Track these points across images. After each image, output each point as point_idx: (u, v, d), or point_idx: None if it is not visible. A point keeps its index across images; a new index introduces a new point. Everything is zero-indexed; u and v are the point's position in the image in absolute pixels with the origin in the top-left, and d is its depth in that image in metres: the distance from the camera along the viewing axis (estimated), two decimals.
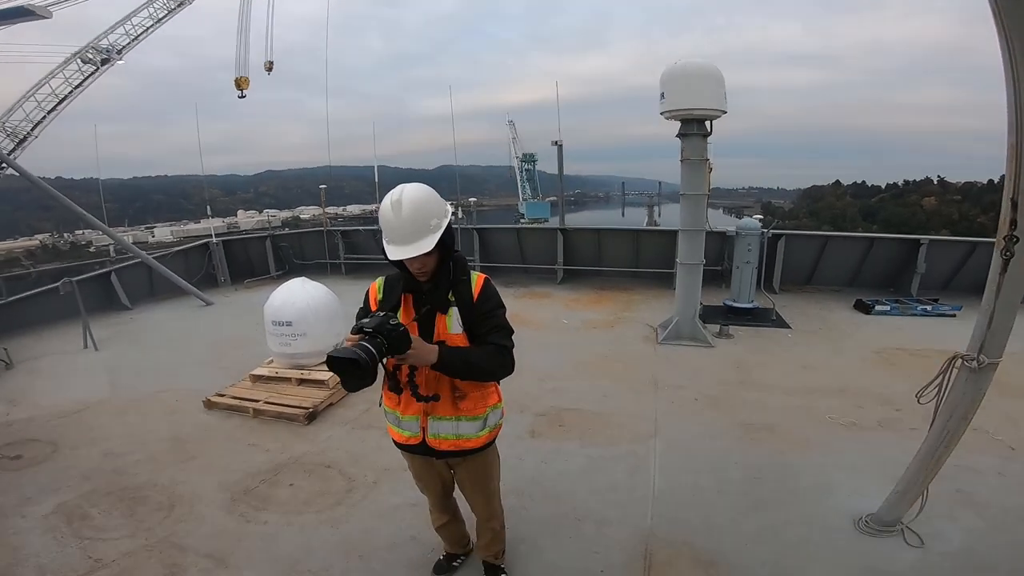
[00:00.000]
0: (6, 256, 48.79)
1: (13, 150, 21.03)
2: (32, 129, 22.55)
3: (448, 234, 1.85)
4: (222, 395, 4.66)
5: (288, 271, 10.71)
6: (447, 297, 1.91)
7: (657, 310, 7.18)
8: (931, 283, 7.76)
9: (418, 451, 2.04)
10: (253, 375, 4.92)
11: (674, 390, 4.71)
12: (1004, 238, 2.08)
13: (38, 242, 60.24)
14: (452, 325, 1.91)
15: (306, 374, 4.80)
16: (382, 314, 1.70)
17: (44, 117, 23.00)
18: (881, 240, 8.23)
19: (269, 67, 32.53)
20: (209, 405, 4.60)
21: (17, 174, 8.38)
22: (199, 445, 4.01)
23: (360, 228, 11.59)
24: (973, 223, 53.86)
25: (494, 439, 2.15)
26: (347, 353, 1.51)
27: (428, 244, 1.77)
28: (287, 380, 4.81)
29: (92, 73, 24.18)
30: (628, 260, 9.03)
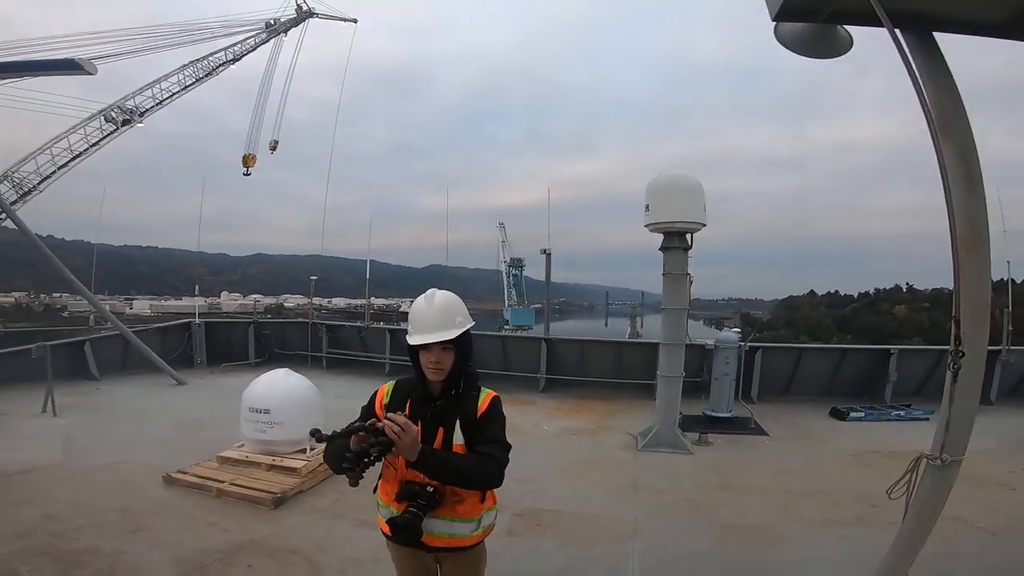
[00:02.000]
0: None
1: (15, 202, 20.54)
2: (39, 183, 22.21)
3: (467, 342, 1.95)
4: (184, 472, 4.47)
5: (268, 359, 10.58)
6: (456, 412, 1.95)
7: (638, 419, 7.16)
8: (904, 390, 8.11)
9: (414, 544, 1.98)
10: (221, 456, 4.75)
11: (653, 494, 4.70)
12: (951, 353, 2.30)
13: (14, 300, 58.53)
14: (455, 437, 1.93)
15: (278, 460, 4.64)
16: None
17: (54, 172, 22.63)
18: (853, 351, 8.62)
19: (274, 146, 32.48)
20: (168, 480, 4.39)
21: (14, 227, 8.36)
22: (152, 518, 3.79)
23: (346, 324, 11.63)
24: (942, 331, 55.38)
25: (485, 538, 2.12)
26: (407, 523, 1.83)
27: (451, 333, 1.87)
28: (257, 464, 4.63)
29: (111, 133, 24.23)
30: (610, 371, 9.11)
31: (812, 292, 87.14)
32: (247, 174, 33.13)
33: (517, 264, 51.49)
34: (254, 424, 4.76)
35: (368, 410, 2.03)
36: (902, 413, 7.30)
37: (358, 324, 11.27)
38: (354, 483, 1.70)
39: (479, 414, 1.95)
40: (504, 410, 2.04)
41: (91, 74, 11.57)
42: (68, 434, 5.60)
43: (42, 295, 59.68)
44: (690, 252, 5.93)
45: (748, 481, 5.02)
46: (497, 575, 3.19)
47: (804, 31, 2.55)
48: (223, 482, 4.27)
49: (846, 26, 2.55)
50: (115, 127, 24.75)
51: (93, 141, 24.28)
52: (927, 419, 7.04)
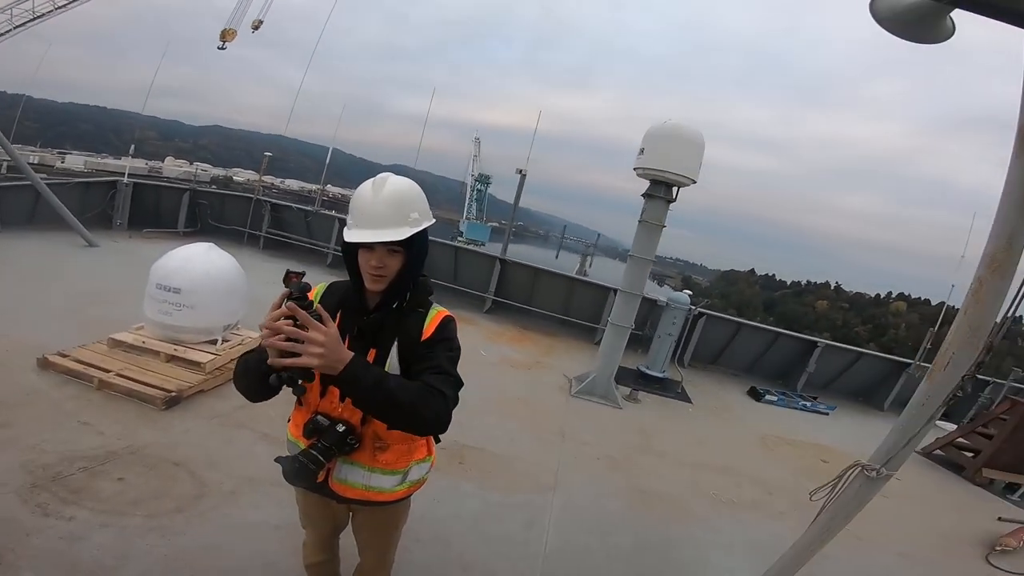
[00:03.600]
0: None
1: None
2: None
3: (422, 245, 1.54)
4: (65, 355, 3.81)
5: (200, 230, 9.84)
6: (394, 330, 1.55)
7: (576, 360, 7.19)
8: (816, 381, 8.56)
9: (315, 490, 1.64)
10: (113, 339, 4.12)
11: (579, 446, 4.68)
12: (964, 377, 2.08)
13: None
14: (390, 365, 1.53)
15: (180, 351, 4.10)
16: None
17: (9, 31, 20.99)
18: (785, 336, 8.81)
19: (257, 25, 31.62)
20: (44, 364, 3.73)
21: None
22: (13, 411, 3.20)
23: (292, 204, 10.93)
24: (851, 331, 61.34)
25: (412, 493, 1.78)
26: (297, 469, 1.49)
27: (401, 234, 1.45)
28: (155, 353, 4.08)
29: None
30: (558, 305, 8.97)
31: (752, 271, 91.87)
32: (222, 48, 32.23)
33: (484, 180, 50.74)
34: (159, 304, 4.14)
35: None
36: (808, 404, 7.69)
37: (306, 208, 10.55)
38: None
39: (424, 336, 1.54)
40: None
41: None
42: None
43: None
44: (671, 206, 5.65)
45: (668, 447, 5.13)
46: (411, 515, 3.02)
47: (906, 9, 2.16)
48: (109, 372, 3.70)
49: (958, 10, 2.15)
50: None
51: (60, 4, 22.09)
52: (827, 414, 7.60)
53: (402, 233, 1.45)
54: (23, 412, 3.22)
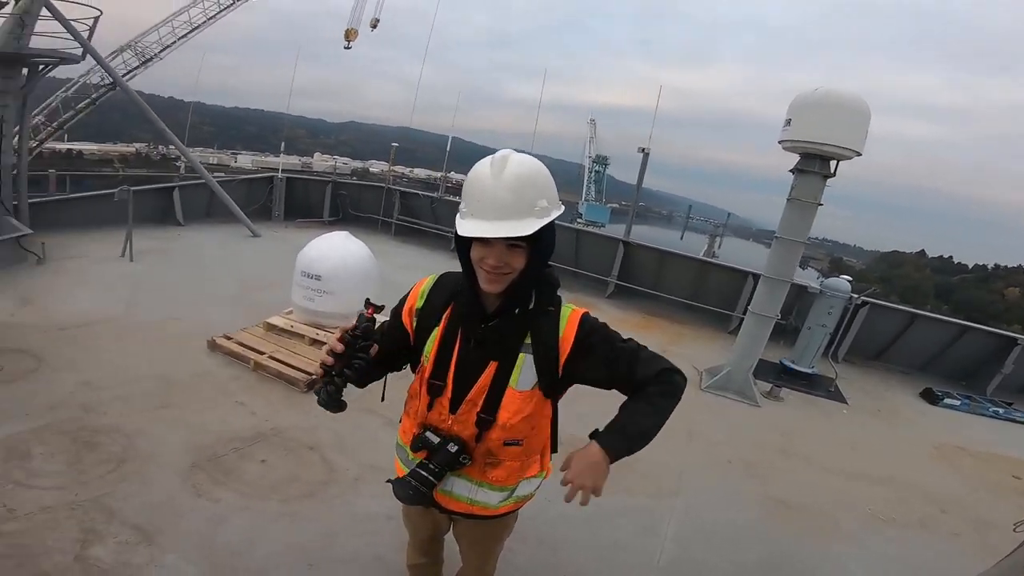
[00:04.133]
0: (101, 157, 52.85)
1: (136, 67, 22.96)
2: (160, 52, 24.07)
3: (550, 238, 1.31)
4: (229, 338, 4.34)
5: (341, 219, 10.78)
6: (520, 338, 1.36)
7: (707, 351, 6.64)
8: (1011, 385, 7.05)
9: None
10: (268, 323, 4.62)
11: (709, 446, 4.29)
12: None
13: (135, 150, 64.61)
14: (519, 378, 1.35)
15: (321, 334, 4.47)
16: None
17: (174, 42, 24.44)
18: (974, 331, 7.32)
19: (374, 24, 33.71)
20: (213, 346, 4.29)
21: (135, 89, 9.04)
22: (185, 392, 3.65)
23: (420, 192, 11.50)
24: None
25: (518, 508, 1.66)
26: (408, 496, 1.47)
27: (527, 227, 1.20)
28: (300, 336, 4.50)
29: (228, 7, 25.41)
30: (687, 291, 8.35)
31: (922, 252, 78.65)
32: (348, 47, 34.28)
33: (602, 161, 49.67)
34: (304, 290, 4.58)
35: (396, 311, 1.50)
36: (1000, 411, 6.33)
37: (432, 195, 11.06)
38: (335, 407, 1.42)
39: (567, 345, 1.34)
40: None
41: None
42: (136, 282, 5.67)
43: (160, 146, 65.20)
44: (828, 182, 4.94)
45: (814, 452, 4.51)
46: (520, 514, 2.97)
47: None
48: (263, 354, 4.13)
49: None
50: (232, 1, 25.39)
51: (211, 15, 25.40)
52: None
53: (528, 226, 1.20)
54: (193, 393, 3.67)
